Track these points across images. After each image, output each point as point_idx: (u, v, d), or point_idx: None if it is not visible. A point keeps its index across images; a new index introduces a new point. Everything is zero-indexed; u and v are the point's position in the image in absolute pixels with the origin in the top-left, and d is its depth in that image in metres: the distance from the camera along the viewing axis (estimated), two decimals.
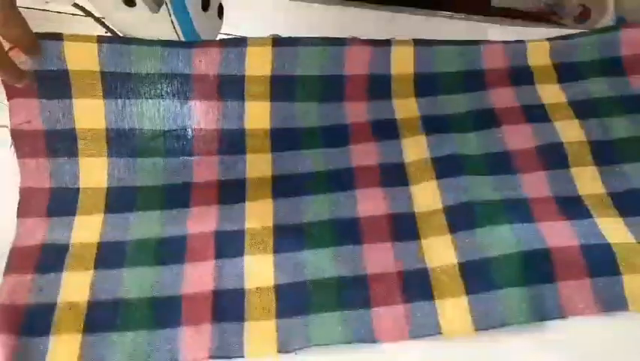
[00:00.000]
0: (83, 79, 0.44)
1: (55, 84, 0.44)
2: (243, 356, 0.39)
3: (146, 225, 0.44)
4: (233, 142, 0.47)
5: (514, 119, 0.49)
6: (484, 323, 0.39)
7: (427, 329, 0.39)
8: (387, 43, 0.49)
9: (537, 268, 0.41)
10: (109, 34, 0.50)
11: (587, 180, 0.46)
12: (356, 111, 0.49)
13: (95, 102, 0.45)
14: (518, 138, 0.48)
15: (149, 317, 0.40)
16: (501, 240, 0.42)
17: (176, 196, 0.45)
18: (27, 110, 0.44)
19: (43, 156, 0.45)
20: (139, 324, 0.40)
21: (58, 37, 0.44)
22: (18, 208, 0.44)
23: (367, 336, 0.39)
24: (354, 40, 0.48)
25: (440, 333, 0.39)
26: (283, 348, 0.39)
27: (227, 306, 0.40)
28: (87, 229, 0.44)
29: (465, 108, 0.50)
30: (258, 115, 0.47)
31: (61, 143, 0.45)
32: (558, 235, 0.42)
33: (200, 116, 0.46)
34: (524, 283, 0.40)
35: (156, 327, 0.40)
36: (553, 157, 0.47)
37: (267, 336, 0.39)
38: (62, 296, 0.41)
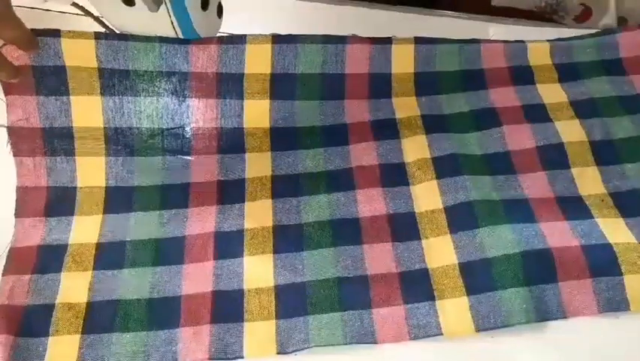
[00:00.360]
0: (81, 75, 0.44)
1: (52, 81, 0.44)
2: (242, 357, 0.38)
3: (145, 225, 0.44)
4: (232, 141, 0.47)
5: (515, 119, 0.49)
6: (485, 323, 0.39)
7: (428, 329, 0.39)
8: (387, 41, 0.48)
9: (538, 268, 0.40)
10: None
11: (588, 180, 0.45)
12: (356, 110, 0.49)
13: (93, 99, 0.45)
14: (519, 137, 0.48)
15: (148, 317, 0.40)
16: (502, 240, 0.41)
17: (175, 196, 0.45)
18: (24, 107, 0.44)
19: (41, 154, 0.44)
20: (138, 325, 0.40)
21: (55, 33, 0.43)
22: (15, 208, 0.44)
23: (368, 337, 0.39)
24: (354, 38, 0.48)
25: (441, 334, 0.39)
26: (283, 349, 0.38)
27: (227, 307, 0.40)
28: (86, 229, 0.44)
29: (465, 108, 0.50)
30: (257, 113, 0.47)
31: (58, 141, 0.45)
32: (559, 235, 0.42)
33: (199, 114, 0.46)
34: (525, 283, 0.40)
35: (155, 328, 0.39)
36: (554, 157, 0.46)
37: (266, 337, 0.39)
38: (61, 297, 0.40)
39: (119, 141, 0.45)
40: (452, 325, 0.39)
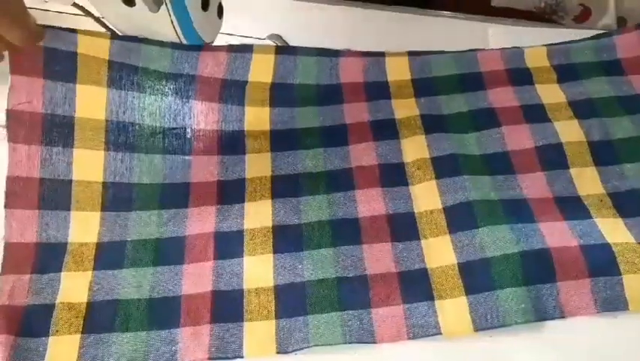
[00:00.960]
0: (90, 64, 0.44)
1: (62, 65, 0.43)
2: (242, 357, 0.38)
3: (145, 225, 0.44)
4: (233, 142, 0.47)
5: (514, 119, 0.49)
6: (484, 323, 0.39)
7: (427, 329, 0.39)
8: (380, 54, 0.49)
9: (537, 268, 0.40)
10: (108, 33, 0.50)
11: (587, 181, 0.46)
12: (355, 111, 0.49)
13: (99, 90, 0.44)
14: (518, 137, 0.48)
15: (148, 317, 0.40)
16: (501, 240, 0.41)
17: (175, 196, 0.45)
18: (29, 89, 0.43)
19: (37, 143, 0.43)
20: (138, 325, 0.40)
21: (72, 30, 0.44)
22: (5, 198, 0.42)
23: (367, 337, 0.39)
24: (348, 52, 0.49)
25: (440, 334, 0.39)
26: (283, 349, 0.39)
27: (227, 307, 0.40)
28: (85, 226, 0.44)
29: (464, 108, 0.50)
30: (257, 119, 0.47)
31: (57, 130, 0.44)
32: (558, 235, 0.42)
33: (201, 116, 0.46)
34: (524, 283, 0.40)
35: (155, 328, 0.40)
36: (553, 157, 0.47)
37: (266, 337, 0.39)
38: (61, 297, 0.41)
39: (120, 136, 0.45)
40: (451, 325, 0.39)
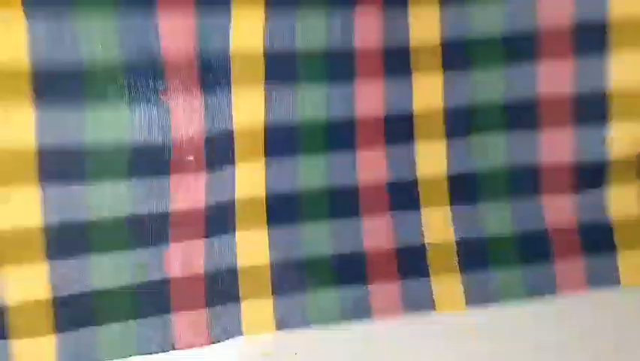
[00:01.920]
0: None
1: None
2: (241, 334, 0.39)
3: (109, 201, 0.35)
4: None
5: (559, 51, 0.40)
6: (478, 299, 0.40)
7: (421, 304, 0.40)
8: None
9: (533, 244, 0.40)
10: None
11: None
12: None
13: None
14: (555, 82, 0.40)
15: (134, 305, 0.36)
16: (499, 217, 0.40)
17: (153, 164, 0.36)
18: None
19: None
20: (124, 314, 0.36)
21: None
22: None
23: (363, 313, 0.40)
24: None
25: (434, 309, 0.40)
26: (281, 326, 0.39)
27: (222, 286, 0.39)
28: (21, 207, 0.33)
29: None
30: (248, 110, 0.38)
31: None
32: (557, 211, 0.40)
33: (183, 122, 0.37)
34: (519, 260, 0.40)
35: (146, 315, 0.37)
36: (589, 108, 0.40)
37: (264, 314, 0.39)
38: (14, 296, 0.33)
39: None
40: (445, 300, 0.40)
